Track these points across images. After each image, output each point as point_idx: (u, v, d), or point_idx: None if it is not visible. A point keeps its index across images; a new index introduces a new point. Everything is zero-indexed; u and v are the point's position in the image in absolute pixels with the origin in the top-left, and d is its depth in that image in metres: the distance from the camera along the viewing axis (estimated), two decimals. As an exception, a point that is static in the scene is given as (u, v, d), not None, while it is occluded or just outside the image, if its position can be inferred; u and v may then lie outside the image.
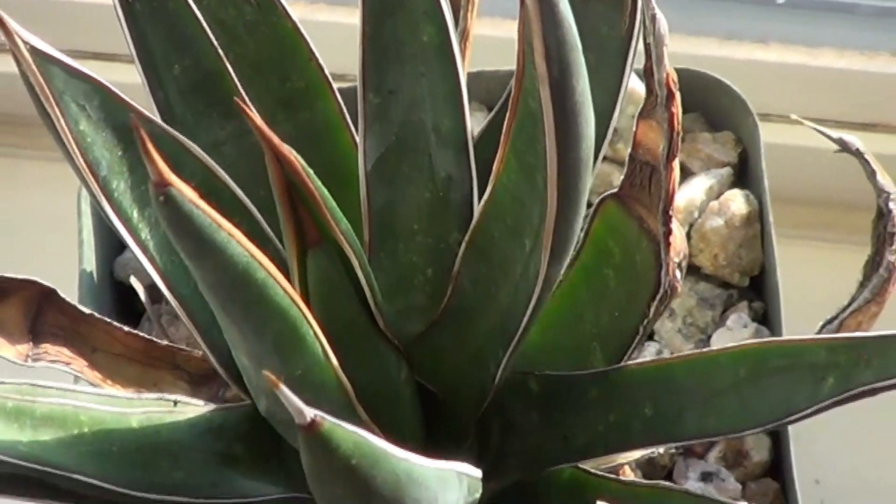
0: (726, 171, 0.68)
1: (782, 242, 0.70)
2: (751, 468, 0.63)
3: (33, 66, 0.37)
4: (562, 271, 0.42)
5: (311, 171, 0.39)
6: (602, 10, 0.44)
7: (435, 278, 0.52)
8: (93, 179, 0.41)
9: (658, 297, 0.49)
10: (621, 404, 0.50)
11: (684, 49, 0.87)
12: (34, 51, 0.38)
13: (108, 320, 0.54)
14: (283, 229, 0.40)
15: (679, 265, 0.50)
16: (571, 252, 0.45)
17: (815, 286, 0.82)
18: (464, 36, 0.51)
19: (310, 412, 0.33)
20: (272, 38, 0.51)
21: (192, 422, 0.50)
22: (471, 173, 0.50)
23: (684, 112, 0.71)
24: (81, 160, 0.40)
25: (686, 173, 0.68)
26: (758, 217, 0.66)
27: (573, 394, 0.52)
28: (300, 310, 0.37)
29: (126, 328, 0.55)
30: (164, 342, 0.56)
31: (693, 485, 0.61)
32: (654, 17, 0.42)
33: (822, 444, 0.83)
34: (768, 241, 0.65)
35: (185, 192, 0.32)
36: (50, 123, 0.40)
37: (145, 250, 0.43)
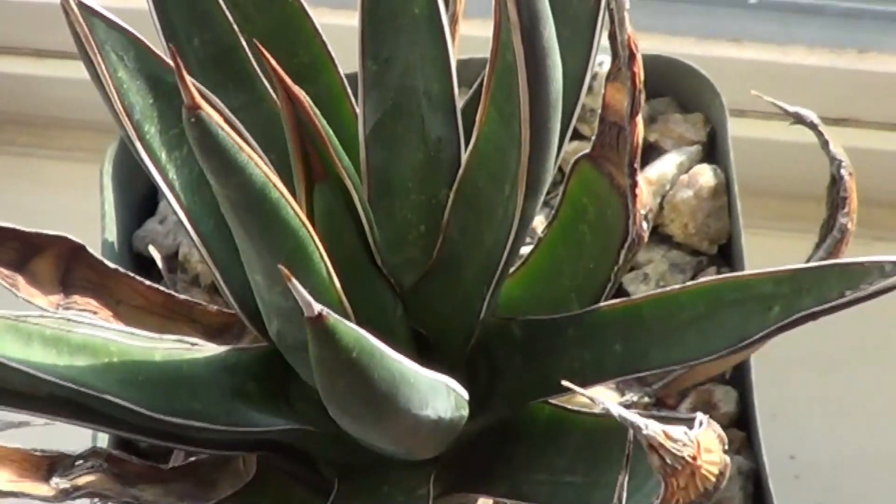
0: (696, 148, 0.74)
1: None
2: (718, 418, 0.69)
3: (80, 18, 0.43)
4: (537, 207, 0.48)
5: (318, 112, 0.44)
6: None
7: (427, 233, 0.58)
8: (128, 122, 0.47)
9: (627, 244, 0.55)
10: (595, 343, 0.55)
11: (665, 48, 0.93)
12: (80, 4, 0.44)
13: (132, 275, 0.60)
14: (292, 165, 0.46)
15: (645, 217, 0.56)
16: (549, 202, 0.51)
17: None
18: (453, 19, 0.57)
19: (317, 306, 0.38)
20: (280, 16, 0.57)
21: (209, 359, 0.56)
22: (458, 135, 0.55)
23: (659, 96, 0.78)
24: (119, 104, 0.46)
25: (659, 151, 0.75)
26: (725, 189, 0.72)
27: (552, 336, 0.57)
28: (308, 231, 0.43)
29: (148, 282, 0.60)
30: (182, 297, 0.61)
31: (666, 432, 0.67)
32: (617, -16, 0.48)
33: (796, 421, 0.89)
34: (734, 211, 0.71)
35: (213, 115, 0.38)
36: (92, 70, 0.45)
37: (172, 189, 0.49)
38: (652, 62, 0.75)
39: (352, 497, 0.57)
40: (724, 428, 0.70)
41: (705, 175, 0.72)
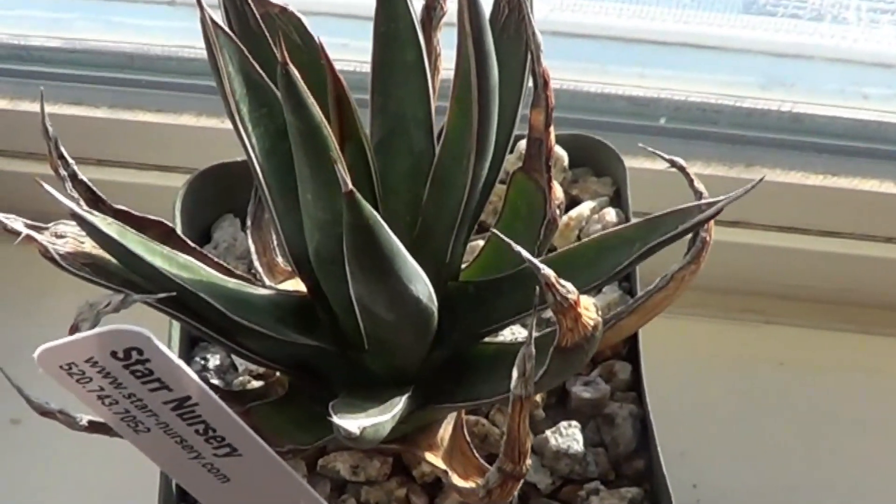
0: (605, 198, 0.98)
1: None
2: (617, 383, 0.90)
3: (212, 29, 0.69)
4: (485, 169, 0.73)
5: (350, 92, 0.70)
6: (511, 39, 0.76)
7: (411, 222, 0.76)
8: (232, 101, 0.70)
9: (545, 223, 0.80)
10: (522, 290, 0.74)
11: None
12: (213, 21, 0.70)
13: (202, 251, 0.84)
14: (331, 127, 0.71)
15: (558, 206, 0.81)
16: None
17: (672, 343, 1.09)
18: (435, 63, 0.82)
19: (350, 185, 0.63)
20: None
21: (262, 294, 0.79)
22: (434, 148, 0.77)
23: (581, 165, 1.04)
24: (228, 88, 0.70)
25: (580, 201, 1.00)
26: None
27: (494, 290, 0.77)
28: (341, 159, 0.68)
29: (215, 258, 0.85)
30: (238, 272, 0.86)
31: (579, 388, 0.91)
32: (534, 34, 0.74)
33: (700, 458, 1.06)
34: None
35: (293, 70, 0.64)
36: (213, 64, 0.69)
37: (253, 151, 0.71)
38: (578, 140, 1.00)
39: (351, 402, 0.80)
40: (621, 391, 0.94)
41: (610, 214, 0.95)
